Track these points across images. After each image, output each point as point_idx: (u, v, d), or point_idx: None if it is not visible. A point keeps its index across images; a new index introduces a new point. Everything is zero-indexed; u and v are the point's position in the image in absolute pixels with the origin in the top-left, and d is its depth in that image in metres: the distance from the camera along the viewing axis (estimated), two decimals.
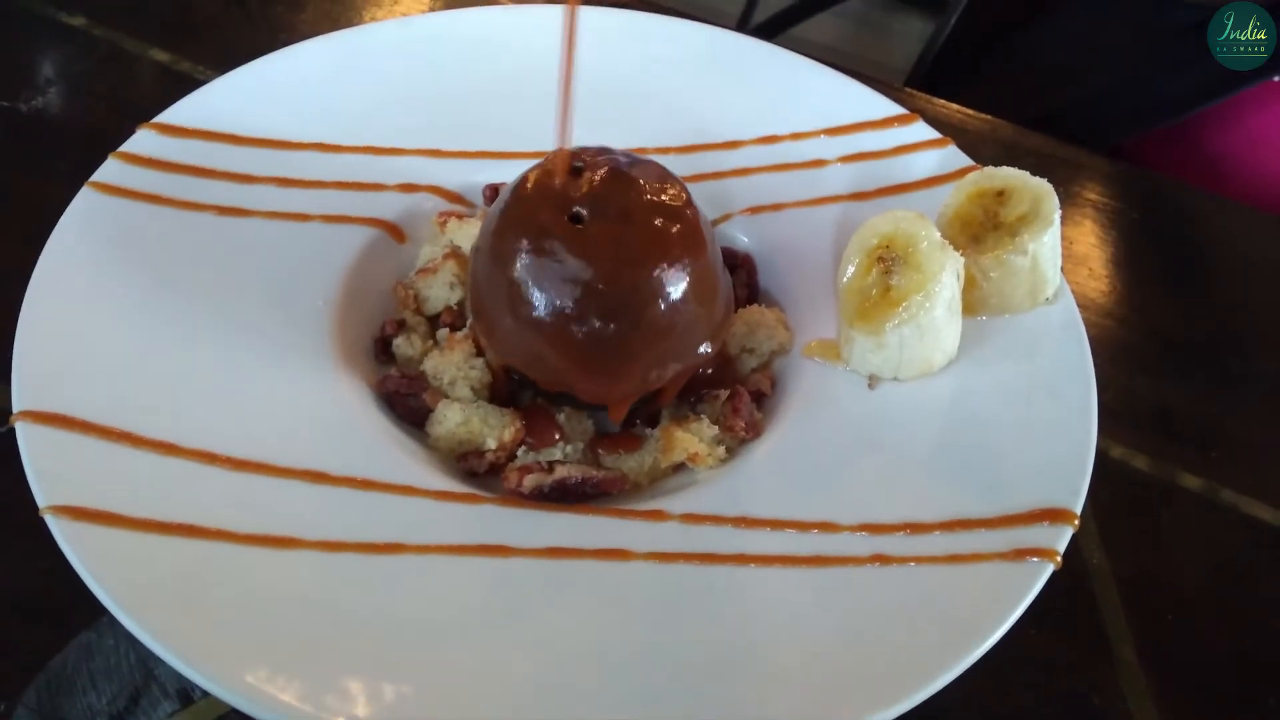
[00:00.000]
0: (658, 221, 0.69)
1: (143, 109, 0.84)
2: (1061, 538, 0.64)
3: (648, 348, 0.70)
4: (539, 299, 0.68)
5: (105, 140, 0.81)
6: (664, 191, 0.71)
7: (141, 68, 1.04)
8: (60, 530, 0.58)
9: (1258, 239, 1.06)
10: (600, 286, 0.67)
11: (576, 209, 0.68)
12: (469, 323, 0.76)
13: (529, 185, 0.71)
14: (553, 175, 0.70)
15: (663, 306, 0.68)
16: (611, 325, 0.68)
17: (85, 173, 0.78)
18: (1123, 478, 0.82)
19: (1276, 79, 1.23)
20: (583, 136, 0.87)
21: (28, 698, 0.63)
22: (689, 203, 0.71)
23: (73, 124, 0.99)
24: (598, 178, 0.69)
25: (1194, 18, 1.23)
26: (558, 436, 0.72)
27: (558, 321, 0.68)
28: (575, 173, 0.70)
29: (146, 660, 0.65)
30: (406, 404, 0.73)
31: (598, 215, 0.68)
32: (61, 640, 0.65)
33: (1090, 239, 1.02)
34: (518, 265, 0.68)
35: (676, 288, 0.68)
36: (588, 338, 0.68)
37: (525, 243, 0.68)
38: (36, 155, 0.94)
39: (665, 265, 0.68)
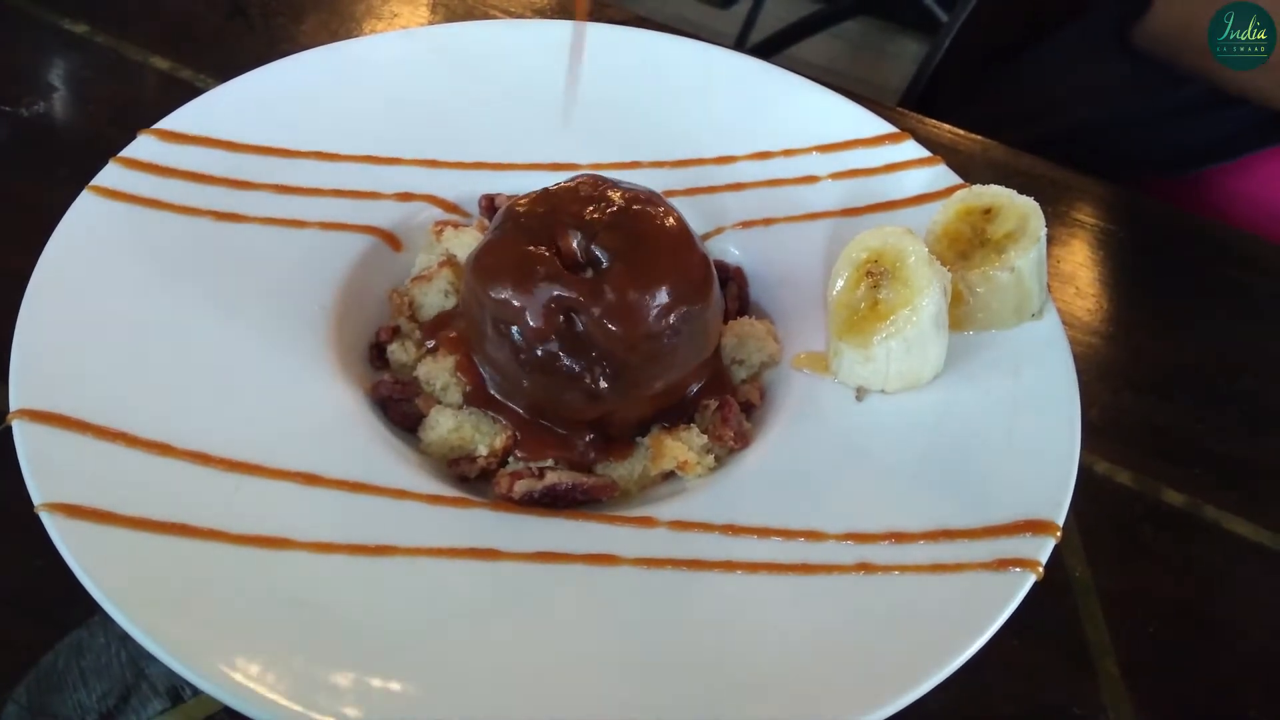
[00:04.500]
0: (666, 263, 0.69)
1: (143, 116, 0.85)
2: (1044, 549, 0.65)
3: (655, 379, 0.71)
4: (548, 353, 0.69)
5: (105, 146, 0.82)
6: (663, 225, 0.71)
7: (143, 75, 1.05)
8: (55, 527, 0.59)
9: (1243, 260, 1.07)
10: (613, 339, 0.68)
11: (581, 255, 0.69)
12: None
13: (525, 244, 0.69)
14: (547, 226, 0.70)
15: (676, 345, 0.70)
16: (623, 372, 0.69)
17: (85, 177, 0.79)
18: (1107, 493, 0.83)
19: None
20: (580, 150, 0.89)
21: (18, 694, 0.63)
22: (686, 229, 0.72)
23: (74, 129, 1.00)
24: (598, 220, 0.69)
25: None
26: (550, 455, 0.72)
27: (568, 371, 0.69)
28: (570, 216, 0.70)
29: (137, 659, 0.65)
30: (400, 409, 0.74)
31: (607, 262, 0.68)
32: (53, 638, 0.66)
33: (1077, 258, 1.04)
34: (525, 322, 0.68)
35: (688, 326, 0.70)
36: (596, 382, 0.69)
37: (531, 301, 0.68)
38: (37, 160, 0.95)
39: (679, 308, 0.69)
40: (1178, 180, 1.33)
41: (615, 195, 0.71)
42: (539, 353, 0.68)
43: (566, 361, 0.69)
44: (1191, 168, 1.31)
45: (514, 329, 0.69)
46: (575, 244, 0.68)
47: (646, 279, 0.68)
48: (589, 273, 0.68)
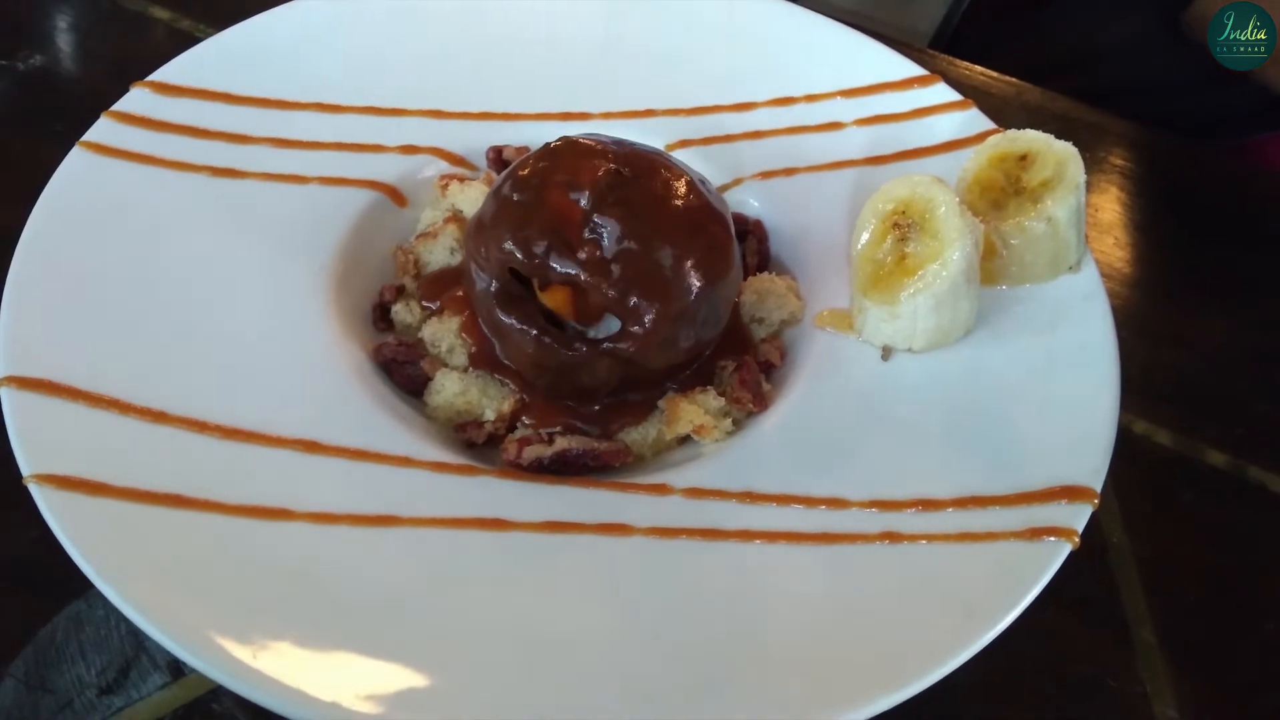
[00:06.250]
0: (681, 244, 0.66)
1: (142, 68, 0.82)
2: (1080, 516, 0.62)
3: (664, 360, 0.69)
4: (549, 334, 0.67)
5: (103, 99, 0.79)
6: (681, 196, 0.67)
7: (142, 26, 1.02)
8: (44, 499, 0.57)
9: None
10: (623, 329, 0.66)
11: (588, 230, 0.65)
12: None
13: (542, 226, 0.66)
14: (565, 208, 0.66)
15: (691, 326, 0.67)
16: (630, 356, 0.67)
17: (82, 132, 0.76)
18: (1145, 454, 0.80)
19: None
20: (592, 98, 0.85)
21: (15, 668, 0.62)
22: (708, 197, 0.69)
23: (71, 83, 0.98)
24: (605, 192, 0.65)
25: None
26: (560, 420, 0.70)
27: (571, 352, 0.67)
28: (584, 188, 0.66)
29: (137, 632, 0.63)
30: (404, 372, 0.71)
31: (615, 238, 0.65)
32: (51, 610, 0.64)
33: (1116, 206, 0.99)
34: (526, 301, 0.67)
35: (705, 304, 0.67)
36: (600, 363, 0.67)
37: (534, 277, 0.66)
38: (33, 114, 0.93)
39: (694, 288, 0.66)
40: (1223, 146, 1.27)
41: (623, 161, 0.66)
42: (540, 333, 0.66)
43: (569, 343, 0.66)
44: (1231, 136, 1.25)
45: (513, 308, 0.67)
46: (580, 217, 0.65)
47: (658, 264, 0.65)
48: (596, 250, 0.65)
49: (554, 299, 0.67)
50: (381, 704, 0.53)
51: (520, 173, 0.67)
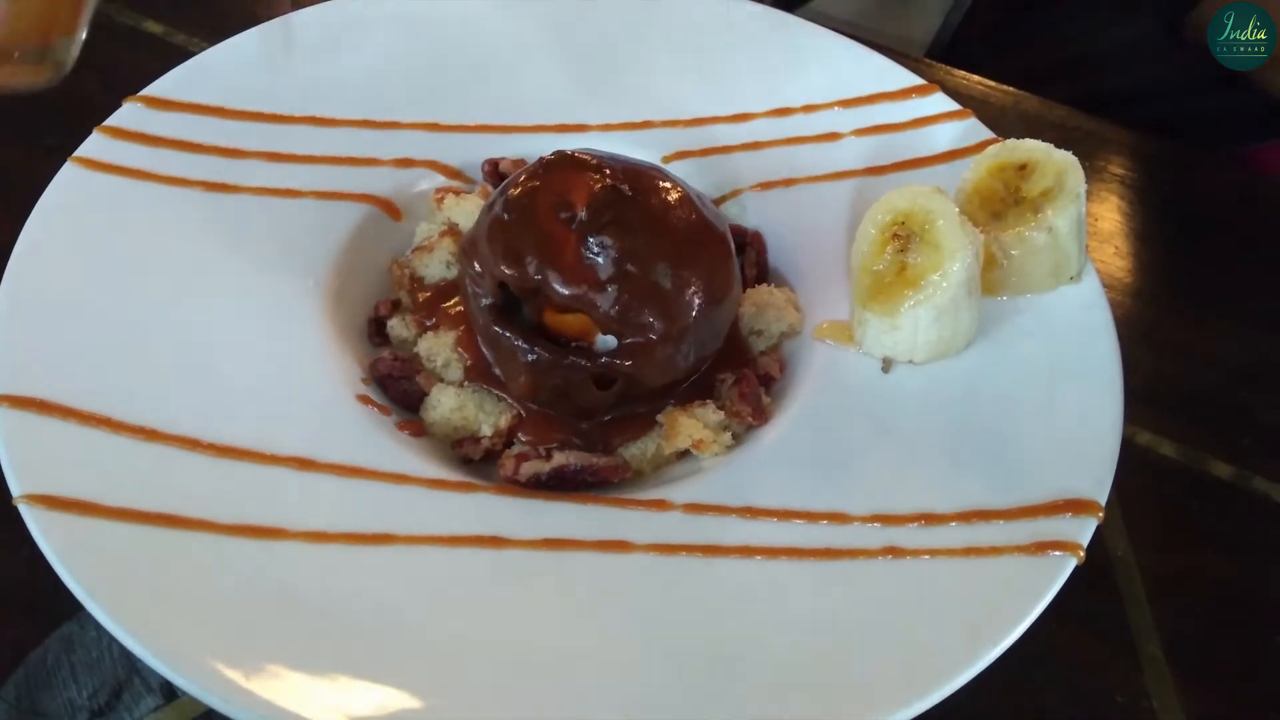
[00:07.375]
0: (682, 268, 0.65)
1: (135, 82, 0.81)
2: (1085, 530, 0.61)
3: (659, 381, 0.69)
4: (546, 352, 0.67)
5: (95, 114, 0.78)
6: (679, 213, 0.67)
7: (135, 40, 1.01)
8: (34, 520, 0.56)
9: None
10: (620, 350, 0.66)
11: (585, 253, 0.64)
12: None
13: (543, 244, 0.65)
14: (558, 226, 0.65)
15: (689, 348, 0.67)
16: (626, 378, 0.67)
17: (74, 147, 0.76)
18: (1149, 465, 0.79)
19: None
20: (589, 110, 0.85)
21: (6, 691, 0.61)
22: (706, 214, 0.68)
23: (62, 97, 0.96)
24: (601, 213, 0.64)
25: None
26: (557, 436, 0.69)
27: (564, 374, 0.67)
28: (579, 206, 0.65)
29: (130, 654, 0.62)
30: (400, 388, 0.70)
31: (612, 260, 0.64)
32: (42, 632, 0.63)
33: (1116, 215, 0.99)
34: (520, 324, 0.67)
35: (705, 326, 0.67)
36: (592, 387, 0.67)
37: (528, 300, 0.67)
38: (24, 129, 0.92)
39: (693, 309, 0.66)
40: (1225, 155, 1.26)
41: (619, 178, 0.65)
42: (535, 354, 0.66)
43: (566, 360, 0.66)
44: (1232, 143, 1.24)
45: (508, 325, 0.66)
46: (575, 237, 0.64)
47: (656, 284, 0.64)
48: (593, 270, 0.64)
49: (550, 318, 0.66)
50: None
51: (513, 191, 0.67)
